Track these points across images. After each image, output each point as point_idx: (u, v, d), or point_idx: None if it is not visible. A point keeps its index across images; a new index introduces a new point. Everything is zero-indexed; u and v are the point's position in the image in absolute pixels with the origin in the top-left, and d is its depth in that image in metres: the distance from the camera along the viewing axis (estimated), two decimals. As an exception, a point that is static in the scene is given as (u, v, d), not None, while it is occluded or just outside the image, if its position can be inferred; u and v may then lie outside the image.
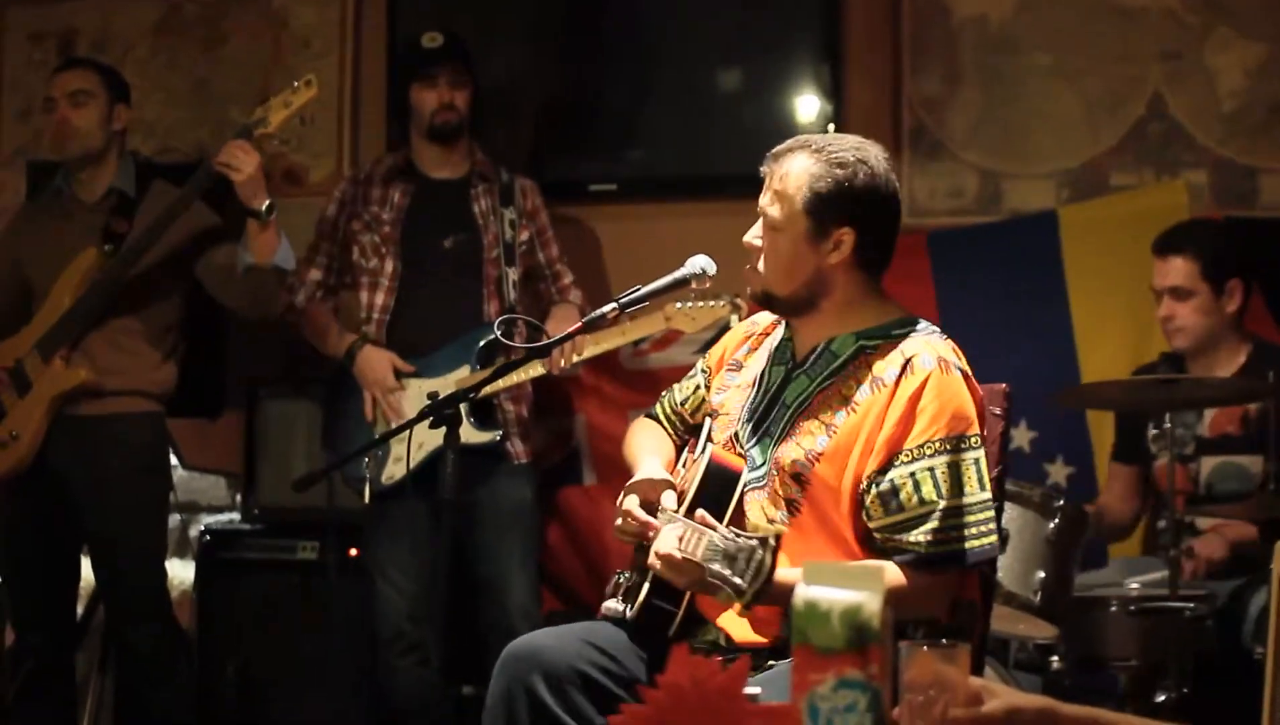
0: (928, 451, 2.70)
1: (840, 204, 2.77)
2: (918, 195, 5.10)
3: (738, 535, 2.54)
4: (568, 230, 5.01)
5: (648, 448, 3.09)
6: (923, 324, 2.85)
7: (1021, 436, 4.73)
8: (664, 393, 3.23)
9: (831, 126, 5.02)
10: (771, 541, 2.50)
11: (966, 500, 2.71)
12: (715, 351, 3.14)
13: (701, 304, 4.15)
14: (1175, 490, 4.09)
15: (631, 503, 2.90)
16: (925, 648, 1.85)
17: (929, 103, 5.12)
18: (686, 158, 5.25)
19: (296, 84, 4.33)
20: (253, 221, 4.29)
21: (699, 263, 3.06)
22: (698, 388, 3.14)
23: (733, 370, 3.03)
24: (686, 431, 3.17)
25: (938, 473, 2.69)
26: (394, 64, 5.37)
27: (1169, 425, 4.05)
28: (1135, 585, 4.15)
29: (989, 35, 5.08)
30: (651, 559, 2.75)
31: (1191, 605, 3.90)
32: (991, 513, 2.75)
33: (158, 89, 5.54)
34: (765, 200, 2.85)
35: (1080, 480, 4.73)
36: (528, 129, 5.37)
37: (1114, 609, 4.08)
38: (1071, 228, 4.86)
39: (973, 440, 2.73)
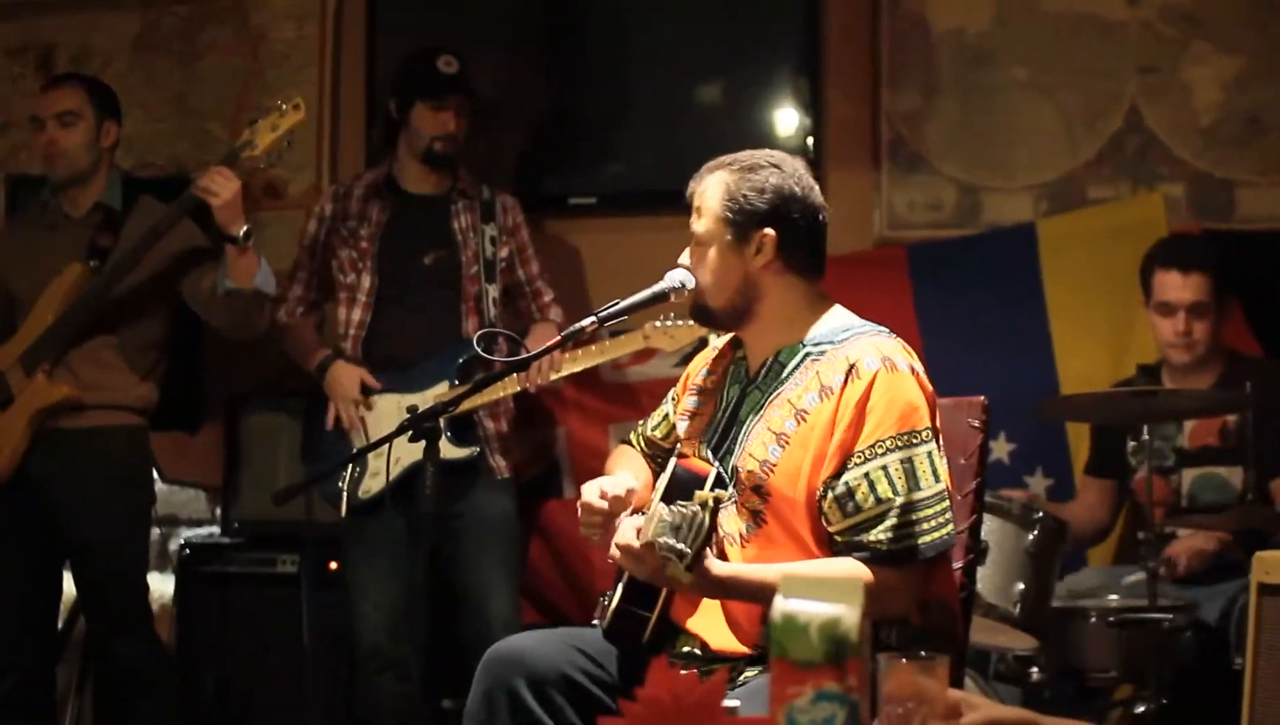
0: (879, 450, 2.71)
1: (755, 207, 2.83)
2: (896, 208, 5.11)
3: (684, 506, 2.56)
4: (547, 243, 5.01)
5: (623, 468, 3.11)
6: (868, 326, 2.87)
7: (1000, 448, 4.74)
8: (639, 422, 3.26)
9: (810, 140, 5.04)
10: (710, 503, 2.52)
11: (921, 494, 2.72)
12: (680, 381, 3.17)
13: (680, 323, 4.18)
14: (1155, 502, 4.09)
15: (590, 493, 2.91)
16: (904, 660, 1.86)
17: (907, 116, 5.13)
18: (666, 171, 5.18)
19: (284, 106, 4.31)
20: (230, 246, 4.28)
21: (677, 277, 3.06)
22: (666, 416, 3.18)
23: (693, 394, 3.06)
24: (659, 457, 3.19)
25: (891, 470, 2.71)
26: (372, 78, 5.37)
27: (1146, 437, 4.05)
28: (1113, 598, 4.17)
29: (967, 48, 5.09)
30: (612, 552, 2.76)
31: (1170, 617, 3.91)
32: (946, 503, 2.76)
33: (136, 103, 5.51)
34: (692, 220, 2.91)
35: (1060, 492, 4.73)
36: (508, 143, 5.36)
37: (1093, 620, 4.09)
38: (1050, 240, 4.87)
39: (924, 434, 2.74)
